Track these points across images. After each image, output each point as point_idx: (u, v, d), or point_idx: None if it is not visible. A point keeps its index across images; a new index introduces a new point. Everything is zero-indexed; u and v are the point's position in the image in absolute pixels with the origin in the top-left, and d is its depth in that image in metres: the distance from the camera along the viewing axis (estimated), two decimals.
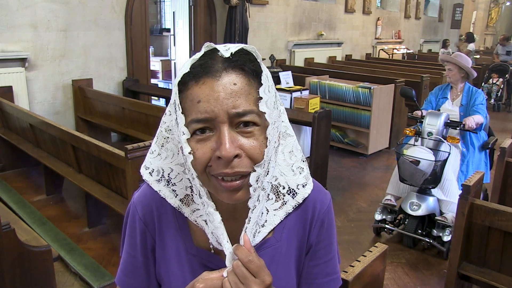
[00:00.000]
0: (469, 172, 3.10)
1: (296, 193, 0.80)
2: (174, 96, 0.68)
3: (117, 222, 3.21)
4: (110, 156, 2.64)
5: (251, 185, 0.68)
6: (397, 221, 3.16)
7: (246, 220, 0.73)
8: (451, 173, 2.99)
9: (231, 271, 0.68)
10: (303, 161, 0.81)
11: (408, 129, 3.20)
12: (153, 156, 0.80)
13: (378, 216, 3.15)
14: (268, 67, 5.91)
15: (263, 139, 0.67)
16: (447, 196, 2.96)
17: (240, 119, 0.65)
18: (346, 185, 4.25)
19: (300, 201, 0.81)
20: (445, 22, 14.17)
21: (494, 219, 2.02)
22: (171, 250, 0.82)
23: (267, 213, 0.79)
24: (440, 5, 13.76)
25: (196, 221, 0.79)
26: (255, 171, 0.67)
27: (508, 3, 18.14)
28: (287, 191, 0.80)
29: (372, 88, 4.92)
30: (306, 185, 0.81)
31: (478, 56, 10.87)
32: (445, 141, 2.98)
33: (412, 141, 3.17)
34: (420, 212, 2.91)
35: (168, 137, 0.78)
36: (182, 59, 6.81)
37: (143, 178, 0.81)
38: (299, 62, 8.08)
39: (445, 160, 2.85)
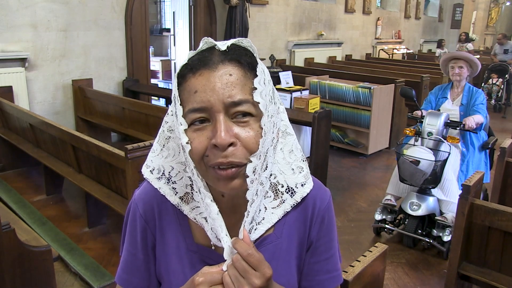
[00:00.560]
0: (469, 172, 3.10)
1: (294, 192, 0.80)
2: (174, 89, 0.70)
3: (117, 222, 3.21)
4: (110, 156, 2.64)
5: (247, 176, 0.68)
6: (397, 221, 3.16)
7: (245, 214, 0.73)
8: (451, 173, 2.99)
9: (230, 265, 0.68)
10: (303, 161, 0.81)
11: (408, 129, 3.20)
12: (154, 155, 0.81)
13: (378, 216, 3.15)
14: (268, 67, 5.92)
15: (258, 130, 0.68)
16: (447, 196, 2.95)
17: (236, 109, 0.67)
18: (346, 185, 4.25)
19: (299, 200, 0.81)
20: (445, 22, 14.17)
21: (494, 219, 2.02)
22: (171, 247, 0.82)
23: (265, 211, 0.79)
24: (440, 5, 13.76)
25: (195, 219, 0.79)
26: (251, 161, 0.68)
27: (508, 3, 18.14)
28: (286, 189, 0.80)
29: (372, 88, 4.92)
30: (305, 184, 0.81)
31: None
32: (445, 141, 2.97)
33: (412, 141, 3.17)
34: (420, 212, 2.91)
35: (170, 137, 0.78)
36: (182, 59, 6.79)
37: (144, 176, 0.81)
38: (299, 62, 8.08)
39: (445, 160, 2.85)
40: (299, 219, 0.82)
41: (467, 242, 2.16)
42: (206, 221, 0.77)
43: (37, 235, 2.04)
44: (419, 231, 2.97)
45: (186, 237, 0.82)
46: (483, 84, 7.86)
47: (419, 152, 2.89)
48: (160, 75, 8.26)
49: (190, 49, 6.51)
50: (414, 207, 2.93)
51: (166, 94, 5.19)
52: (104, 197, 2.83)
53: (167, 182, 0.80)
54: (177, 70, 0.70)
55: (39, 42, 4.53)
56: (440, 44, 10.23)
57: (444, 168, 2.87)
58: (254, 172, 0.68)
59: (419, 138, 3.09)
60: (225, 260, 0.70)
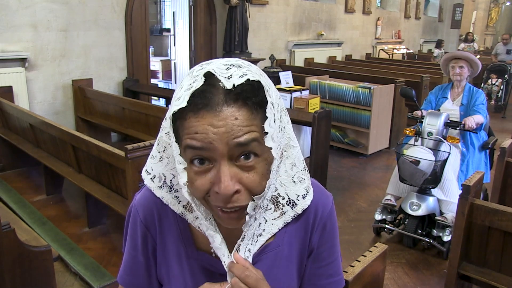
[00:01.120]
0: (469, 172, 3.09)
1: (295, 204, 0.79)
2: (169, 124, 0.65)
3: (117, 222, 3.21)
4: (110, 156, 2.64)
5: (247, 213, 0.67)
6: (397, 221, 3.16)
7: (239, 240, 0.74)
8: (451, 173, 2.99)
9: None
10: (305, 170, 0.79)
11: (408, 129, 3.20)
12: (154, 162, 0.77)
13: (378, 216, 3.15)
14: (268, 67, 5.90)
15: (263, 171, 0.65)
16: (447, 196, 2.95)
17: (241, 150, 0.62)
18: (346, 185, 4.25)
19: (299, 212, 0.79)
20: (445, 22, 14.17)
21: (494, 219, 2.02)
22: (172, 252, 0.82)
23: (265, 223, 0.78)
24: (440, 5, 13.76)
25: (199, 228, 0.78)
26: (253, 201, 0.66)
27: (508, 3, 18.14)
28: (287, 201, 0.78)
29: (372, 88, 4.92)
30: (306, 196, 0.79)
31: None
32: (445, 141, 2.97)
33: (412, 141, 3.17)
34: (420, 212, 2.91)
35: (169, 143, 0.75)
36: (182, 59, 6.81)
37: (145, 183, 0.80)
38: (299, 62, 8.08)
39: (445, 160, 2.85)
40: (300, 226, 0.82)
41: (467, 242, 2.16)
42: (209, 238, 0.77)
43: (37, 235, 2.04)
44: (419, 231, 2.97)
45: (186, 243, 0.81)
46: (482, 84, 7.81)
47: (419, 152, 2.89)
48: (160, 75, 8.27)
49: (190, 49, 6.51)
50: (414, 207, 2.93)
51: (166, 94, 5.19)
52: (104, 197, 2.83)
53: (170, 191, 0.78)
54: (175, 104, 0.62)
55: (39, 42, 4.53)
56: (439, 45, 10.20)
57: (444, 168, 2.87)
58: (255, 209, 0.68)
59: (419, 138, 3.09)
60: (228, 274, 0.71)
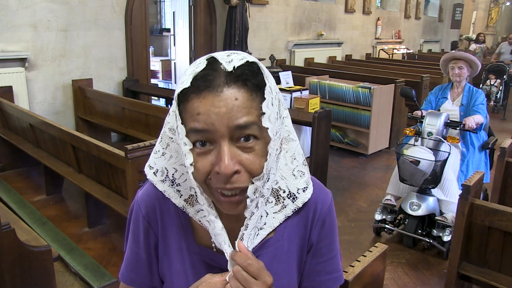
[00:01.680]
0: (469, 172, 3.10)
1: (296, 197, 0.80)
2: (175, 106, 0.68)
3: (117, 222, 3.21)
4: (110, 156, 2.64)
5: (248, 197, 0.68)
6: (397, 221, 3.16)
7: (243, 228, 0.74)
8: (451, 173, 2.99)
9: (232, 276, 0.68)
10: (304, 165, 0.81)
11: (408, 129, 3.20)
12: (157, 156, 0.79)
13: (378, 216, 3.15)
14: (268, 67, 5.90)
15: (263, 154, 0.67)
16: (447, 196, 2.96)
17: (241, 132, 0.64)
18: (346, 185, 4.25)
19: (300, 206, 0.81)
20: (445, 22, 14.17)
21: (494, 219, 2.02)
22: (173, 247, 0.83)
23: (266, 216, 0.79)
24: (440, 5, 13.75)
25: (200, 221, 0.80)
26: (253, 183, 0.67)
27: (508, 3, 18.14)
28: (287, 195, 0.80)
29: (372, 88, 4.92)
30: (306, 189, 0.81)
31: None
32: (445, 141, 2.97)
33: (412, 141, 3.17)
34: (420, 212, 2.91)
35: (172, 137, 0.78)
36: (182, 59, 6.81)
37: (147, 177, 0.81)
38: (299, 62, 8.08)
39: (445, 160, 2.85)
40: (300, 222, 0.83)
41: (467, 242, 2.16)
42: (210, 224, 0.77)
43: (37, 235, 2.04)
44: (419, 231, 2.97)
45: (187, 238, 0.82)
46: (481, 85, 7.73)
47: (419, 152, 2.89)
48: (160, 75, 8.27)
49: (190, 49, 6.51)
50: (414, 207, 2.93)
51: (166, 94, 5.19)
52: (104, 197, 2.83)
53: (172, 185, 0.80)
54: (179, 87, 0.66)
55: (39, 42, 4.53)
56: (455, 46, 10.16)
57: (444, 168, 2.87)
58: (255, 192, 0.68)
59: (419, 138, 3.09)
60: (229, 263, 0.71)
